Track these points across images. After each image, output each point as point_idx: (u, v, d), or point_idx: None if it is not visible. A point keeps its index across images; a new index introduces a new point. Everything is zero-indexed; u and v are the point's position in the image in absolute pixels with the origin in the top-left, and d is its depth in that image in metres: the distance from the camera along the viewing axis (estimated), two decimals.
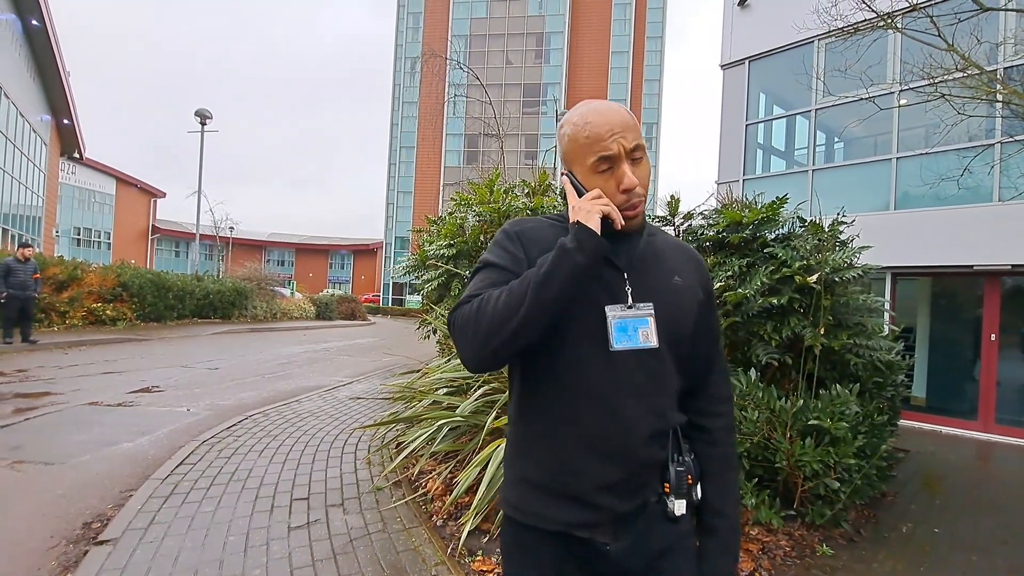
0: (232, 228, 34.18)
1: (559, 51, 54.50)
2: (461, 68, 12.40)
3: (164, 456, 3.92)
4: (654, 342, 0.96)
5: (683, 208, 3.84)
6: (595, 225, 0.90)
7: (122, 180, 44.34)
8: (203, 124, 15.91)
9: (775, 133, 9.24)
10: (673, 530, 0.98)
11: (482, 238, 4.61)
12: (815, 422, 2.49)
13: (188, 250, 53.76)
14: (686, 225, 3.85)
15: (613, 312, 0.96)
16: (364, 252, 60.07)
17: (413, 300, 40.68)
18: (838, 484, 2.55)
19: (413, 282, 4.78)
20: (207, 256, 50.63)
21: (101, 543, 2.51)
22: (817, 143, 8.38)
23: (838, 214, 3.36)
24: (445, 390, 3.73)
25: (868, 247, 3.29)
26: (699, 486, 1.01)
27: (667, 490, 0.97)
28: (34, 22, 17.06)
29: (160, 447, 4.17)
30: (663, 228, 4.24)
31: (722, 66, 9.33)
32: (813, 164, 8.26)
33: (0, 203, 16.88)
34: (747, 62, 8.95)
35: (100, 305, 11.65)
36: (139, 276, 12.69)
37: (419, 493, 3.23)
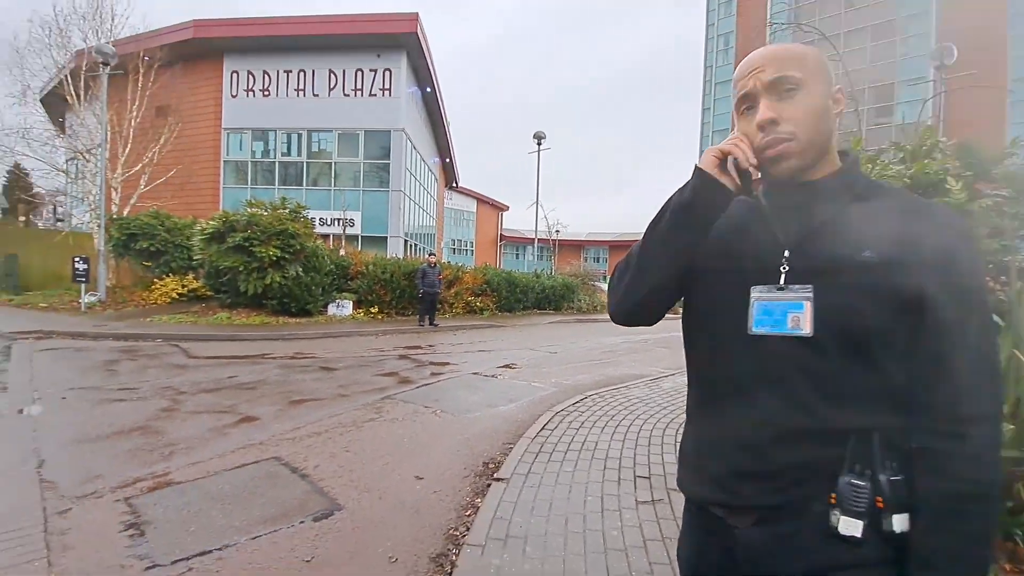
0: (558, 231, 39.15)
1: None
2: (782, 26, 10.92)
3: (528, 420, 4.79)
4: (806, 329, 0.82)
5: None
6: (705, 164, 0.87)
7: (480, 200, 55.99)
8: (539, 144, 18.78)
9: None
10: (839, 552, 0.79)
11: None
12: None
13: (524, 252, 64.28)
14: None
15: (758, 293, 0.87)
16: None
17: None
18: None
19: None
20: (538, 256, 59.82)
21: (498, 480, 3.25)
22: None
23: None
24: None
25: None
26: (899, 518, 0.78)
27: (832, 500, 0.80)
28: (427, 89, 23.29)
29: (524, 412, 5.11)
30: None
31: None
32: None
33: (410, 224, 23.63)
34: None
35: (473, 298, 15.10)
36: (497, 275, 15.92)
37: None
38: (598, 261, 63.32)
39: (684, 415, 1.05)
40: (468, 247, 55.59)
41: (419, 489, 3.27)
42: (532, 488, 3.12)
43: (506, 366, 7.78)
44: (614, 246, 65.18)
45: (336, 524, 2.77)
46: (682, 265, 0.93)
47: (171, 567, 2.32)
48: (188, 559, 2.38)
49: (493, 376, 6.94)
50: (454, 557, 2.46)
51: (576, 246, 61.21)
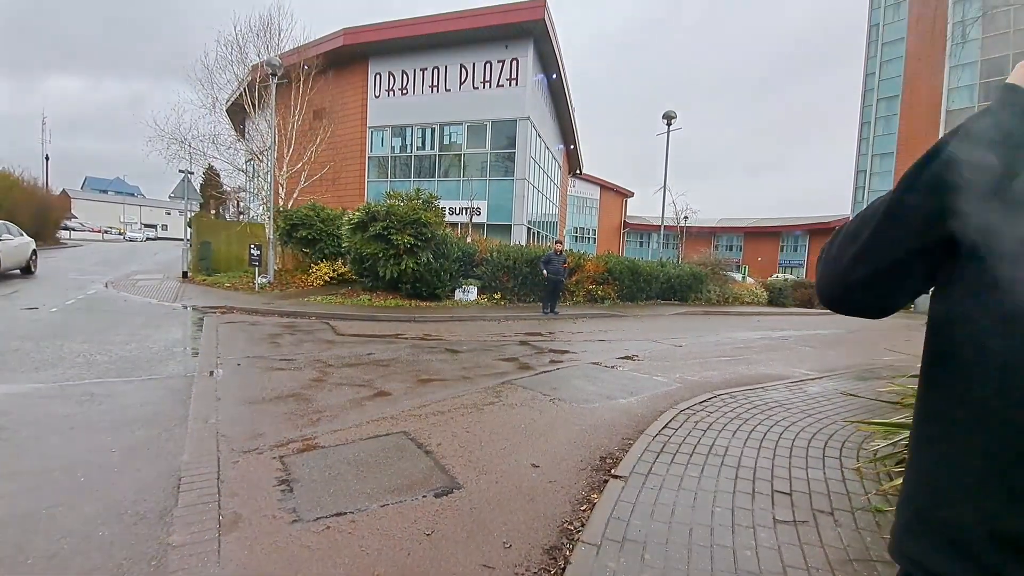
0: (686, 218, 36.98)
1: None
2: None
3: (649, 416, 4.56)
4: None
5: None
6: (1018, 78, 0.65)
7: (604, 187, 54.93)
8: (669, 124, 17.77)
9: None
10: None
11: None
12: None
13: (648, 240, 61.93)
14: None
15: None
16: (822, 232, 53.14)
17: None
18: None
19: None
20: (664, 244, 57.53)
21: (616, 477, 3.11)
22: None
23: None
24: None
25: None
26: None
27: None
28: (554, 76, 23.20)
29: (645, 407, 4.87)
30: None
31: None
32: None
33: (533, 212, 23.87)
34: None
35: (594, 287, 14.85)
36: (620, 263, 15.46)
37: None
38: (731, 250, 58.77)
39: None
40: (590, 235, 54.90)
41: (535, 477, 3.25)
42: (652, 490, 2.94)
43: (627, 357, 7.51)
44: (750, 233, 59.96)
45: (455, 502, 2.86)
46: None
47: (312, 523, 2.56)
48: (327, 518, 2.61)
49: (612, 367, 6.73)
50: (568, 553, 2.40)
51: (707, 233, 57.32)
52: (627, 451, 3.67)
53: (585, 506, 2.88)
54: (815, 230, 54.24)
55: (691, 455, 3.49)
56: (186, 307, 10.45)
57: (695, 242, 44.85)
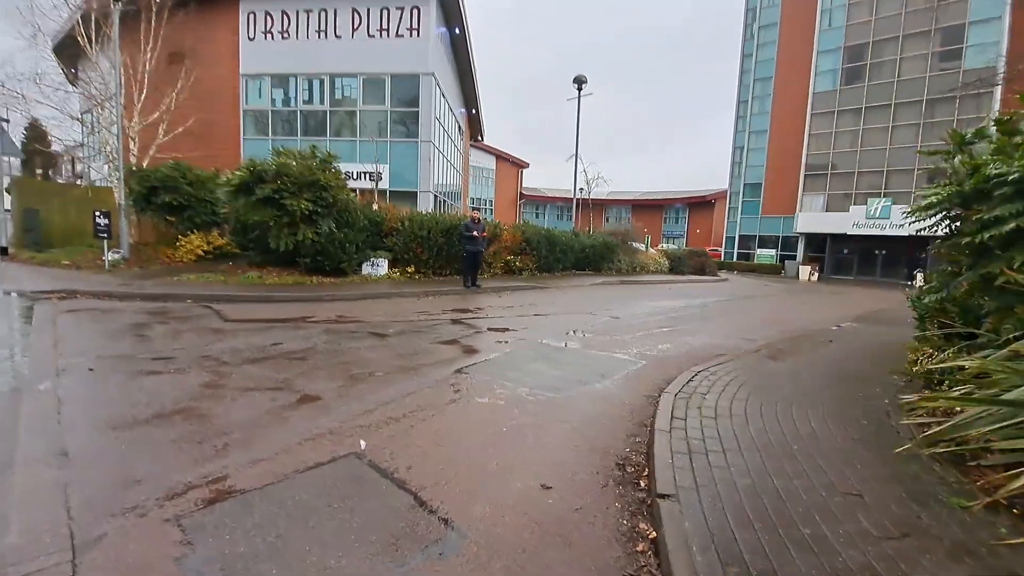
0: (583, 189, 37.57)
1: None
2: None
3: (638, 403, 3.99)
4: None
5: None
6: None
7: (500, 157, 54.19)
8: (580, 89, 17.34)
9: None
10: None
11: None
12: None
13: (544, 211, 62.87)
14: None
15: None
16: (700, 204, 57.73)
17: (764, 255, 36.67)
18: None
19: (934, 224, 3.51)
20: (558, 216, 59.18)
21: (663, 497, 2.43)
22: None
23: None
24: None
25: None
26: None
27: None
28: (456, 30, 21.64)
29: (627, 392, 4.29)
30: None
31: None
32: None
33: (438, 178, 22.55)
34: None
35: (511, 258, 14.19)
36: (536, 233, 14.94)
37: None
38: (620, 221, 61.52)
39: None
40: (487, 206, 54.13)
41: (552, 504, 2.47)
42: (717, 513, 2.30)
43: (573, 332, 6.96)
44: (637, 205, 63.18)
45: (466, 563, 1.99)
46: None
47: None
48: None
49: (563, 346, 6.12)
50: None
51: (598, 205, 59.37)
52: (644, 454, 3.03)
53: (641, 544, 2.17)
54: (694, 203, 58.66)
55: (724, 454, 2.92)
56: (9, 293, 8.05)
57: (588, 214, 46.11)
